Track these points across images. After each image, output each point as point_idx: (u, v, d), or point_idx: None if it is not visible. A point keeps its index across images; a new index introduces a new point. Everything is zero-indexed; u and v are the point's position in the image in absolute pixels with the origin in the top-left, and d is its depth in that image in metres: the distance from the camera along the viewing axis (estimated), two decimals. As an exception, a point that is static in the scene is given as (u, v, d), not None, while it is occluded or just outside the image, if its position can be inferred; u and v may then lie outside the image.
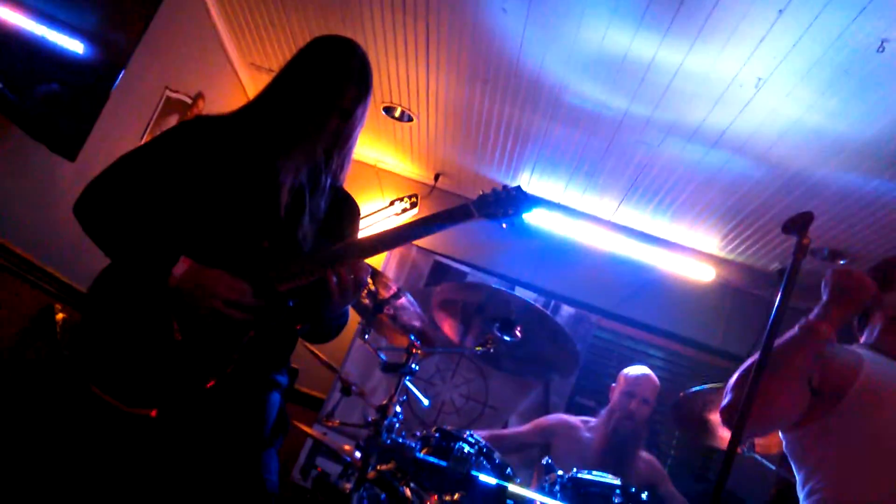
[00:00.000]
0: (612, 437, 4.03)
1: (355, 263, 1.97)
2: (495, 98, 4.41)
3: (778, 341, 1.85)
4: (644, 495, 3.16)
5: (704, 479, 4.71)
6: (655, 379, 4.19)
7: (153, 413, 1.86)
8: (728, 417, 1.92)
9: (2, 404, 3.13)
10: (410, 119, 4.99)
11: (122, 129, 3.91)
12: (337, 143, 2.14)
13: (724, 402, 1.94)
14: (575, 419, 4.33)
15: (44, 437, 1.97)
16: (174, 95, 4.27)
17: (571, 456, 3.96)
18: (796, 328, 1.94)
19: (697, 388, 3.53)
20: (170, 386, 1.88)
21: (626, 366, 4.33)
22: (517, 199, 2.14)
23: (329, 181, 2.17)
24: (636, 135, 4.28)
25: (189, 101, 4.41)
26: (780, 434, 2.08)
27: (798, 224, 1.86)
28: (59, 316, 3.53)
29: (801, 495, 2.00)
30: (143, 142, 4.02)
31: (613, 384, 4.25)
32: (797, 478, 2.02)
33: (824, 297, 1.96)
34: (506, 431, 4.61)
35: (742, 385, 1.88)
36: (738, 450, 1.87)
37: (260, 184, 2.04)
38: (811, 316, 1.94)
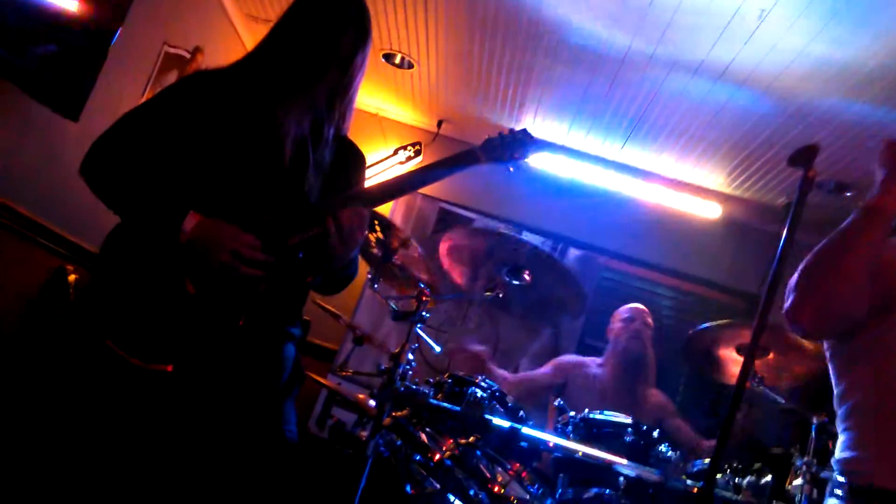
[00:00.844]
0: (624, 360, 4.11)
1: (353, 211, 1.97)
2: (496, 40, 4.35)
3: (836, 231, 1.74)
4: (655, 433, 3.20)
5: (714, 414, 4.76)
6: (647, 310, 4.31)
7: (169, 368, 1.89)
8: (793, 316, 1.77)
9: (19, 369, 3.17)
10: (411, 66, 4.94)
11: (123, 86, 3.88)
12: (338, 92, 2.12)
13: (787, 303, 1.78)
14: (586, 360, 4.38)
15: (64, 396, 2.00)
16: (173, 51, 4.23)
17: (583, 396, 4.00)
18: (855, 213, 1.78)
19: (706, 324, 3.55)
20: (185, 340, 1.91)
21: (635, 306, 4.38)
22: (523, 143, 2.14)
23: (332, 131, 2.15)
24: (639, 72, 4.23)
25: (188, 55, 4.37)
26: (825, 345, 1.91)
27: (804, 157, 1.82)
28: (72, 277, 3.54)
29: (838, 413, 1.84)
30: (143, 99, 4.00)
31: (610, 326, 4.30)
32: (835, 391, 1.86)
33: (881, 176, 1.80)
34: (527, 374, 4.65)
35: (808, 274, 1.74)
36: (747, 384, 1.82)
37: (262, 136, 2.03)
38: (869, 197, 1.79)
